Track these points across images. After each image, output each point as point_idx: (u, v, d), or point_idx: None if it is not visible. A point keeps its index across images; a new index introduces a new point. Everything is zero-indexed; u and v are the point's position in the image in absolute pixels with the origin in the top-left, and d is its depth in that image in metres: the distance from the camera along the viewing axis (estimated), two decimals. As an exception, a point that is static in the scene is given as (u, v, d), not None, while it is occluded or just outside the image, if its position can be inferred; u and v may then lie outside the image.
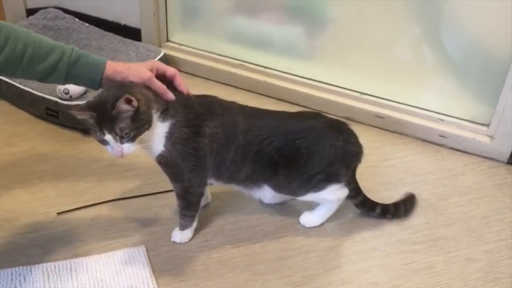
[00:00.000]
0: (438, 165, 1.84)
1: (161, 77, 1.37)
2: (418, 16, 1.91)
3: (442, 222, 1.61)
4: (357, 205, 1.57)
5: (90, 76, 1.33)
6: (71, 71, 1.31)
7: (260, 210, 1.61)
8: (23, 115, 1.97)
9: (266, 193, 1.50)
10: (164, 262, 1.44)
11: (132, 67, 1.34)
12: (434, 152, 1.91)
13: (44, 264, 1.40)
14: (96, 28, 2.26)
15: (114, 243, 1.48)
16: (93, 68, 1.32)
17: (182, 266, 1.44)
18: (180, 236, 1.49)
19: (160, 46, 2.29)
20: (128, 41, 2.22)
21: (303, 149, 1.41)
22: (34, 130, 1.91)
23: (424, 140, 1.95)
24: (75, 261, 1.42)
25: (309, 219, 1.57)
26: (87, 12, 2.38)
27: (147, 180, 1.70)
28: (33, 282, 1.36)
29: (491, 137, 1.86)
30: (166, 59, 2.19)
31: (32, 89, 1.91)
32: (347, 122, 1.52)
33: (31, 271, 1.38)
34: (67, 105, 1.85)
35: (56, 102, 1.87)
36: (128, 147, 1.27)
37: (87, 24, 2.28)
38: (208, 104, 1.40)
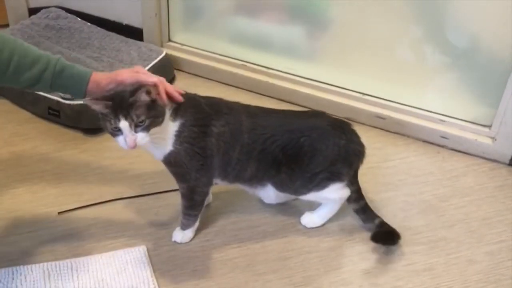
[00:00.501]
0: (439, 166, 1.84)
1: None
2: (419, 17, 1.91)
3: (443, 223, 1.61)
4: (357, 211, 1.56)
5: (75, 87, 1.34)
6: (55, 81, 1.32)
7: (261, 210, 1.61)
8: (24, 114, 1.98)
9: (270, 193, 1.50)
10: (164, 262, 1.44)
11: (117, 72, 1.34)
12: (435, 153, 1.91)
13: (45, 264, 1.40)
14: (98, 28, 2.26)
15: (115, 243, 1.49)
16: (77, 80, 1.33)
17: (182, 266, 1.44)
18: (181, 236, 1.50)
19: (162, 46, 2.29)
20: (130, 40, 2.22)
21: (306, 147, 1.42)
22: (36, 129, 1.91)
23: (425, 141, 1.95)
24: (76, 260, 1.42)
25: (310, 219, 1.57)
26: (89, 11, 2.38)
27: (147, 180, 1.70)
28: (34, 281, 1.36)
29: (493, 138, 1.86)
30: (167, 59, 2.19)
31: (34, 88, 1.91)
32: (352, 123, 1.52)
33: (32, 270, 1.38)
34: (69, 105, 1.85)
35: (58, 102, 1.87)
36: (142, 137, 1.26)
37: (89, 23, 2.28)
38: (214, 104, 1.41)
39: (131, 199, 1.64)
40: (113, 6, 2.33)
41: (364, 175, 1.59)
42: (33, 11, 2.35)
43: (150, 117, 1.26)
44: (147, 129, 1.26)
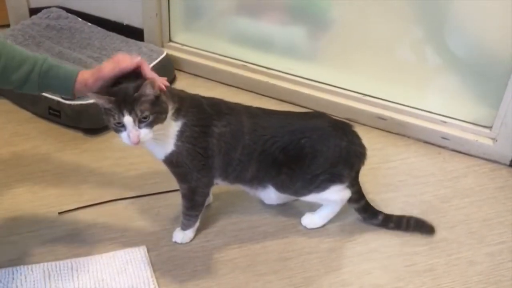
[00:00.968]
0: (440, 167, 1.84)
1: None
2: (420, 18, 1.91)
3: (443, 224, 1.61)
4: (359, 210, 1.56)
5: (62, 88, 1.34)
6: (42, 82, 1.32)
7: (261, 211, 1.61)
8: (25, 114, 1.97)
9: (271, 194, 1.50)
10: (165, 262, 1.44)
11: (100, 68, 1.31)
12: (436, 154, 1.91)
13: (45, 264, 1.40)
14: (99, 28, 2.26)
15: (115, 243, 1.48)
16: (63, 80, 1.33)
17: (183, 266, 1.44)
18: (182, 236, 1.49)
19: (162, 46, 2.29)
20: (131, 41, 2.22)
21: (307, 148, 1.42)
22: (36, 129, 1.91)
23: (426, 142, 1.95)
24: (76, 260, 1.42)
25: (311, 220, 1.57)
26: (90, 11, 2.38)
27: (148, 180, 1.70)
28: (34, 281, 1.36)
29: (494, 139, 1.86)
30: (168, 59, 2.19)
31: (34, 88, 1.91)
32: (353, 124, 1.52)
33: (32, 270, 1.38)
34: (69, 105, 1.85)
35: (58, 102, 1.87)
36: (145, 133, 1.25)
37: (89, 24, 2.28)
38: (216, 105, 1.41)
39: (131, 199, 1.64)
40: (113, 6, 2.33)
41: (365, 175, 1.59)
42: (34, 11, 2.35)
43: (154, 112, 1.25)
44: (150, 125, 1.26)
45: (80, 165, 1.76)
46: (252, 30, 2.19)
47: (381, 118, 1.99)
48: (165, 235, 1.52)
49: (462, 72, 1.92)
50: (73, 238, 1.50)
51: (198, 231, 1.52)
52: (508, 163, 1.85)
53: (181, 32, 2.31)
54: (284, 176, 1.44)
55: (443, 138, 1.92)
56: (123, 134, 1.26)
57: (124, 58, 1.30)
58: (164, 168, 1.41)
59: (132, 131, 1.24)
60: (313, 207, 1.57)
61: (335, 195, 1.49)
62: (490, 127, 1.87)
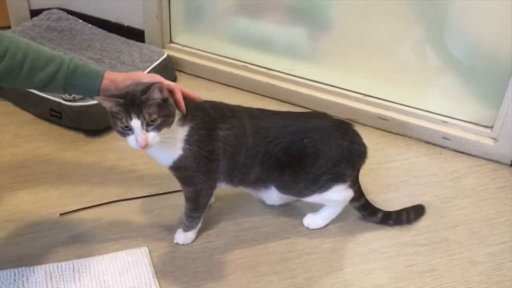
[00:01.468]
0: (441, 167, 1.84)
1: None
2: (421, 18, 1.91)
3: (445, 224, 1.61)
4: (358, 208, 1.57)
5: (88, 86, 1.34)
6: (69, 81, 1.32)
7: (263, 212, 1.61)
8: (26, 116, 1.98)
9: (273, 195, 1.50)
10: (166, 263, 1.44)
11: (134, 72, 1.35)
12: (437, 154, 1.91)
13: (47, 265, 1.40)
14: (100, 29, 2.27)
15: (117, 244, 1.49)
16: (90, 78, 1.33)
17: (184, 267, 1.44)
18: (183, 237, 1.50)
19: (163, 47, 2.30)
20: (132, 42, 2.22)
21: (309, 148, 1.42)
22: (38, 131, 1.91)
23: (427, 142, 1.95)
24: (77, 262, 1.42)
25: (313, 221, 1.57)
26: (90, 13, 2.38)
27: (149, 182, 1.70)
28: (36, 282, 1.36)
29: (495, 139, 1.86)
30: (169, 61, 2.19)
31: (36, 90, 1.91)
32: (354, 123, 1.52)
33: (34, 272, 1.38)
34: (70, 106, 1.85)
35: (59, 103, 1.87)
36: (153, 136, 1.25)
37: (90, 25, 2.29)
38: (218, 108, 1.41)
39: (133, 200, 1.64)
40: (114, 8, 2.34)
41: (366, 176, 1.59)
42: (34, 13, 2.36)
43: (162, 116, 1.25)
44: (158, 128, 1.25)
45: (82, 166, 1.76)
46: (252, 30, 2.19)
47: (382, 118, 1.99)
48: (166, 236, 1.52)
49: (463, 72, 1.92)
50: (75, 239, 1.50)
51: (199, 232, 1.52)
52: (509, 163, 1.85)
53: (181, 33, 2.31)
54: (287, 177, 1.44)
55: (444, 138, 1.92)
56: (131, 138, 1.26)
57: (161, 79, 1.33)
58: (165, 169, 1.41)
59: (140, 134, 1.24)
60: (315, 208, 1.57)
61: (338, 195, 1.49)
62: (491, 127, 1.87)
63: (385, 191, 1.70)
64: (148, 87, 1.24)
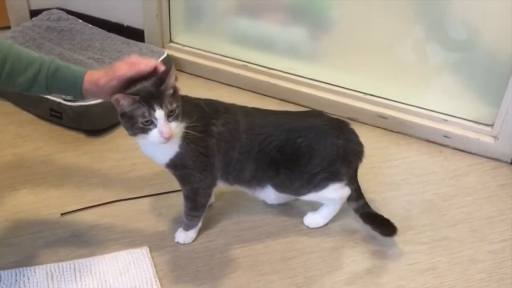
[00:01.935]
0: (441, 166, 1.84)
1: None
2: (421, 16, 1.91)
3: (445, 222, 1.61)
4: (357, 210, 1.54)
5: (69, 88, 1.32)
6: (50, 84, 1.32)
7: (263, 211, 1.61)
8: (26, 116, 1.98)
9: (270, 194, 1.50)
10: (167, 263, 1.44)
11: (114, 68, 1.30)
12: (437, 153, 1.91)
13: (48, 265, 1.40)
14: (100, 29, 2.27)
15: (118, 244, 1.49)
16: (71, 80, 1.32)
17: (185, 266, 1.44)
18: (184, 236, 1.50)
19: (163, 47, 2.30)
20: (132, 42, 2.22)
21: (304, 147, 1.42)
22: (38, 131, 1.91)
23: (427, 141, 1.95)
24: (78, 261, 1.42)
25: (313, 220, 1.57)
26: (90, 13, 2.38)
27: (150, 181, 1.70)
28: (37, 282, 1.36)
29: (495, 137, 1.86)
30: (169, 60, 2.19)
31: (36, 90, 1.92)
32: (350, 121, 1.52)
33: (35, 272, 1.38)
34: (71, 106, 1.85)
35: (59, 103, 1.87)
36: (175, 125, 1.26)
37: (90, 25, 2.29)
38: (212, 104, 1.42)
39: (133, 200, 1.64)
40: (114, 8, 2.34)
41: (366, 174, 1.59)
42: (34, 13, 2.36)
43: (178, 106, 1.26)
44: (177, 118, 1.26)
45: (82, 166, 1.76)
46: (252, 30, 2.19)
47: (383, 117, 1.99)
48: (167, 235, 1.52)
49: (463, 70, 1.92)
50: (76, 239, 1.50)
51: (200, 231, 1.52)
52: (509, 161, 1.85)
53: (181, 32, 2.31)
54: (283, 176, 1.44)
55: (445, 136, 1.92)
56: (153, 132, 1.24)
57: (138, 61, 1.29)
58: (165, 169, 1.41)
59: (164, 125, 1.23)
60: (315, 207, 1.57)
61: (334, 193, 1.49)
62: (491, 125, 1.87)
63: (386, 190, 1.70)
64: (159, 78, 1.24)
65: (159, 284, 1.37)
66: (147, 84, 1.25)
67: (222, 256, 1.47)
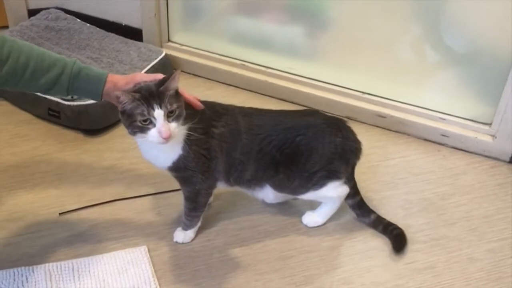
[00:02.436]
0: (440, 165, 1.84)
1: None
2: (419, 16, 1.91)
3: (443, 221, 1.61)
4: (353, 207, 1.56)
5: (91, 90, 1.34)
6: (72, 85, 1.33)
7: (262, 210, 1.62)
8: (25, 115, 1.98)
9: (269, 193, 1.50)
10: (166, 262, 1.44)
11: (135, 74, 1.35)
12: (436, 152, 1.91)
13: (47, 264, 1.40)
14: (98, 29, 2.26)
15: (116, 243, 1.49)
16: (94, 81, 1.33)
17: (184, 266, 1.44)
18: (183, 236, 1.50)
19: (161, 46, 2.30)
20: (130, 41, 2.22)
21: (303, 146, 1.42)
22: (36, 130, 1.91)
23: (426, 140, 1.95)
24: (77, 261, 1.42)
25: (311, 218, 1.57)
26: (88, 12, 2.38)
27: (149, 180, 1.70)
28: (35, 282, 1.36)
29: (493, 136, 1.86)
30: (167, 59, 2.19)
31: (34, 89, 1.91)
32: (347, 120, 1.52)
33: (33, 271, 1.38)
34: (69, 106, 1.85)
35: (58, 103, 1.87)
36: (174, 126, 1.26)
37: (88, 24, 2.28)
38: (211, 106, 1.42)
39: (132, 199, 1.64)
40: (112, 7, 2.34)
41: (365, 173, 1.59)
42: (32, 13, 2.35)
43: (179, 107, 1.27)
44: (177, 119, 1.26)
45: (81, 165, 1.76)
46: (251, 29, 2.19)
47: (381, 116, 1.99)
48: (166, 235, 1.52)
49: (461, 69, 1.92)
50: (74, 239, 1.50)
51: (199, 231, 1.52)
52: (507, 159, 1.86)
53: (180, 32, 2.31)
54: (282, 175, 1.44)
55: (443, 135, 1.92)
56: (151, 132, 1.24)
57: (159, 75, 1.34)
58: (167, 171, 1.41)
59: (163, 125, 1.23)
60: (313, 206, 1.58)
61: (333, 192, 1.49)
62: (489, 124, 1.88)
63: (384, 189, 1.71)
64: (162, 80, 1.26)
65: (157, 284, 1.37)
66: (151, 83, 1.27)
67: (221, 256, 1.47)
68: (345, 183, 1.50)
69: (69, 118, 1.88)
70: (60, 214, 1.57)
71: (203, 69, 2.24)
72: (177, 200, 1.50)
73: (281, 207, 1.62)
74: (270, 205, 1.62)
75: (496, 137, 1.85)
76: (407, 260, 1.48)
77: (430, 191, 1.72)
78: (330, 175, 1.46)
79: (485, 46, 1.85)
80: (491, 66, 1.84)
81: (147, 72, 2.01)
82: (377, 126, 2.00)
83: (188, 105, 1.35)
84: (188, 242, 1.50)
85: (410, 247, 1.52)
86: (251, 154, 1.41)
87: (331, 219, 1.57)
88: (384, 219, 1.55)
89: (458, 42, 1.88)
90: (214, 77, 2.23)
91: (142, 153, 1.38)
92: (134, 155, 1.75)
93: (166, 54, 2.19)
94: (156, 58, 2.13)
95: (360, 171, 1.54)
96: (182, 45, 2.30)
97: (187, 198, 1.44)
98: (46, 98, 1.88)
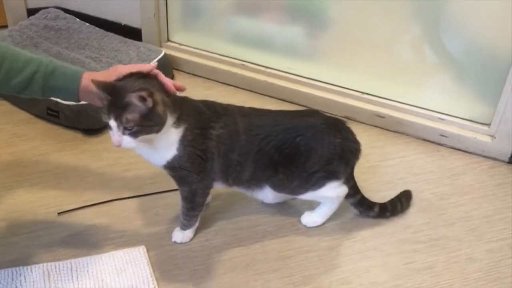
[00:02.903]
0: (439, 165, 1.84)
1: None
2: (418, 16, 1.91)
3: (443, 221, 1.61)
4: (355, 205, 1.57)
5: (67, 87, 1.31)
6: (47, 83, 1.30)
7: (260, 210, 1.61)
8: (23, 115, 1.97)
9: (268, 194, 1.50)
10: (164, 262, 1.44)
11: (111, 70, 1.31)
12: (435, 152, 1.91)
13: (45, 264, 1.40)
14: (97, 28, 2.26)
15: (115, 243, 1.48)
16: (69, 79, 1.30)
17: (182, 266, 1.44)
18: (181, 236, 1.49)
19: (160, 46, 2.29)
20: (129, 41, 2.22)
21: (302, 146, 1.42)
22: (35, 130, 1.91)
23: (425, 140, 1.95)
24: (75, 261, 1.42)
25: (310, 219, 1.57)
26: (88, 12, 2.38)
27: (147, 180, 1.70)
28: (33, 282, 1.36)
29: (492, 136, 1.86)
30: (166, 59, 2.19)
31: (33, 89, 1.91)
32: (347, 120, 1.52)
33: (31, 271, 1.38)
34: (68, 105, 1.85)
35: (56, 102, 1.87)
36: (127, 141, 1.25)
37: (87, 24, 2.28)
38: (210, 106, 1.41)
39: (130, 199, 1.64)
40: (111, 7, 2.33)
41: (364, 174, 1.59)
42: (31, 12, 2.35)
43: (141, 125, 1.23)
44: (134, 135, 1.24)
45: (79, 165, 1.76)
46: (250, 29, 2.19)
47: (380, 116, 1.99)
48: (164, 235, 1.52)
49: (460, 69, 1.92)
50: (73, 239, 1.50)
51: (197, 231, 1.52)
52: (507, 160, 1.85)
53: (179, 31, 2.31)
54: (281, 176, 1.44)
55: (442, 135, 1.92)
56: (111, 133, 1.26)
57: (142, 65, 1.31)
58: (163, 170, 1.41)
59: (115, 134, 1.24)
60: (312, 206, 1.57)
61: (332, 192, 1.49)
62: (488, 124, 1.87)
63: (383, 189, 1.70)
64: (137, 89, 1.21)
65: (156, 284, 1.37)
66: (130, 86, 1.23)
67: (219, 255, 1.47)
68: (344, 183, 1.50)
69: (68, 118, 1.88)
70: (58, 213, 1.57)
71: (202, 69, 2.23)
72: (175, 200, 1.50)
73: (280, 207, 1.62)
74: (268, 205, 1.61)
75: (495, 137, 1.85)
76: (406, 260, 1.48)
77: (429, 191, 1.72)
78: (329, 176, 1.46)
79: (484, 46, 1.85)
80: (490, 66, 1.84)
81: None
82: (376, 126, 2.00)
83: (183, 106, 1.33)
84: (186, 242, 1.50)
85: (409, 247, 1.52)
86: (249, 155, 1.41)
87: (330, 219, 1.57)
88: (386, 204, 1.57)
89: (457, 42, 1.88)
90: (214, 77, 2.22)
91: (136, 150, 1.37)
92: (133, 155, 1.73)
93: (165, 54, 2.19)
94: (155, 58, 2.13)
95: (359, 171, 1.53)
96: (182, 45, 2.30)
97: (185, 198, 1.44)
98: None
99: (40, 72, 1.30)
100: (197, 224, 1.50)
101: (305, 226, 1.57)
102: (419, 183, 1.75)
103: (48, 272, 1.38)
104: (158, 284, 1.37)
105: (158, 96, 1.24)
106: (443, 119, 1.92)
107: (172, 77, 2.21)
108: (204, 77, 2.24)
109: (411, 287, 1.41)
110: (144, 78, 1.28)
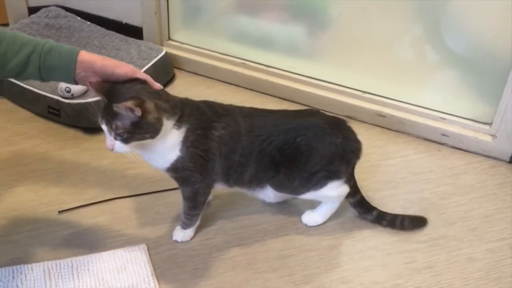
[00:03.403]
0: (439, 164, 1.84)
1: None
2: (420, 15, 1.91)
3: (443, 221, 1.61)
4: (354, 205, 1.56)
5: (64, 66, 1.29)
6: (44, 63, 1.28)
7: (261, 209, 1.61)
8: (24, 113, 1.97)
9: (269, 193, 1.50)
10: (165, 261, 1.44)
11: (109, 60, 1.31)
12: (436, 151, 1.90)
13: (46, 262, 1.40)
14: (98, 27, 2.26)
15: (115, 242, 1.49)
16: (65, 57, 1.29)
17: (183, 264, 1.44)
18: (182, 235, 1.49)
19: (161, 44, 2.29)
20: (130, 39, 2.22)
21: (303, 146, 1.41)
22: (36, 128, 1.91)
23: (426, 139, 1.95)
24: (76, 259, 1.42)
25: (311, 218, 1.57)
26: (89, 10, 2.38)
27: (148, 179, 1.70)
28: (34, 280, 1.36)
29: (493, 136, 1.86)
30: (167, 58, 2.19)
31: (34, 87, 1.91)
32: (348, 120, 1.52)
33: (32, 269, 1.38)
34: (69, 104, 1.85)
35: (57, 101, 1.87)
36: (119, 146, 1.26)
37: (88, 22, 2.28)
38: (211, 106, 1.41)
39: (131, 198, 1.64)
40: (112, 5, 2.33)
41: (365, 173, 1.59)
42: (32, 10, 2.35)
43: (132, 132, 1.23)
44: (125, 141, 1.25)
45: (80, 163, 1.76)
46: (251, 28, 2.19)
47: (381, 115, 1.99)
48: (165, 233, 1.52)
49: (461, 68, 1.92)
50: (73, 237, 1.50)
51: (198, 230, 1.52)
52: (508, 159, 1.85)
53: (180, 30, 2.31)
54: (282, 176, 1.44)
55: (443, 135, 1.92)
56: (105, 135, 1.28)
57: (132, 70, 1.31)
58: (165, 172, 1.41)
59: (108, 138, 1.26)
60: (313, 205, 1.57)
61: (333, 192, 1.49)
62: (489, 124, 1.87)
63: (384, 188, 1.70)
64: (129, 98, 1.21)
65: (156, 282, 1.37)
66: (127, 91, 1.24)
67: (220, 254, 1.47)
68: (345, 182, 1.50)
69: (69, 116, 1.88)
70: (59, 212, 1.57)
71: (203, 67, 2.23)
72: (176, 199, 1.50)
73: (281, 206, 1.62)
74: (269, 204, 1.61)
75: (496, 137, 1.85)
76: (406, 259, 1.48)
77: (430, 190, 1.72)
78: (331, 175, 1.46)
79: (486, 46, 1.85)
80: (491, 66, 1.84)
81: (146, 70, 2.00)
82: (377, 126, 2.00)
83: (185, 107, 1.33)
84: (187, 241, 1.50)
85: (410, 246, 1.52)
86: (251, 155, 1.41)
87: (331, 218, 1.57)
88: (386, 214, 1.55)
89: (458, 41, 1.88)
90: (215, 76, 2.22)
91: (141, 154, 1.37)
92: (133, 154, 1.74)
93: (166, 53, 2.18)
94: (156, 57, 2.13)
95: (360, 171, 1.53)
96: (183, 43, 2.30)
97: (186, 198, 1.44)
98: (46, 96, 1.88)
99: (37, 52, 1.28)
100: (198, 223, 1.50)
101: (305, 225, 1.57)
102: (420, 183, 1.75)
103: (49, 271, 1.38)
104: (158, 282, 1.38)
105: (150, 104, 1.23)
106: (444, 119, 1.92)
107: (173, 76, 2.21)
108: (205, 76, 2.24)
109: (411, 287, 1.41)
110: (143, 83, 1.29)
